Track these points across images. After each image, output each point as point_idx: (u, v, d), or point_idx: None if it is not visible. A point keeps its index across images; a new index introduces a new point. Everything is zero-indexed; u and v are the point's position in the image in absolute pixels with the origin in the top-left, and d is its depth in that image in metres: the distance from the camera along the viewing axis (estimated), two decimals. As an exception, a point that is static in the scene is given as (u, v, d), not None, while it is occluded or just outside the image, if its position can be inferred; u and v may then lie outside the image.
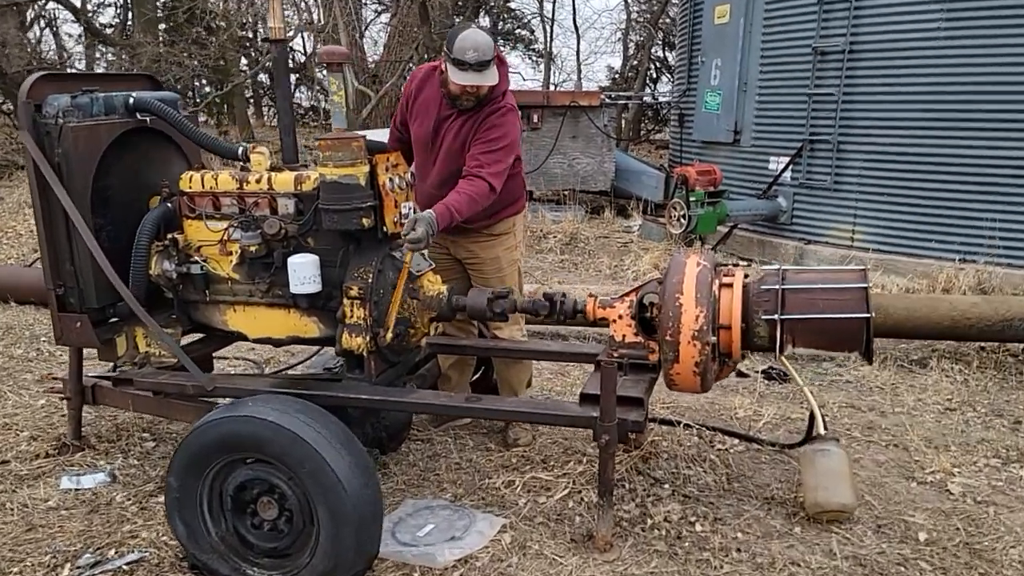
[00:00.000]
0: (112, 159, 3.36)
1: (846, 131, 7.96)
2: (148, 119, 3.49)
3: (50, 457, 3.66)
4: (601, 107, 10.91)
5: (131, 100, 3.43)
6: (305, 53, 24.19)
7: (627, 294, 3.14)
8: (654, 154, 19.31)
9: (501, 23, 29.27)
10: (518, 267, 3.86)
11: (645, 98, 18.39)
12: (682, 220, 8.46)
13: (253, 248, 3.26)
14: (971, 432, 4.02)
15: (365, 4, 20.67)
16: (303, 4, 20.49)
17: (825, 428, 3.23)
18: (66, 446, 3.71)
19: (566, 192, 11.15)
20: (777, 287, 2.84)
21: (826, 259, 8.15)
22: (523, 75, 28.07)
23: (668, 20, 20.04)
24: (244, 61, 22.70)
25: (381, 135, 3.80)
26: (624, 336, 3.10)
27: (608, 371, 2.71)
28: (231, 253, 3.35)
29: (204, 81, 23.46)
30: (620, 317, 3.09)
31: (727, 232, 9.09)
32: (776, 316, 2.81)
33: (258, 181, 3.31)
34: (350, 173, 3.06)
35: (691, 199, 8.35)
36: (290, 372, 4.08)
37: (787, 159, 8.51)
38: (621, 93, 17.40)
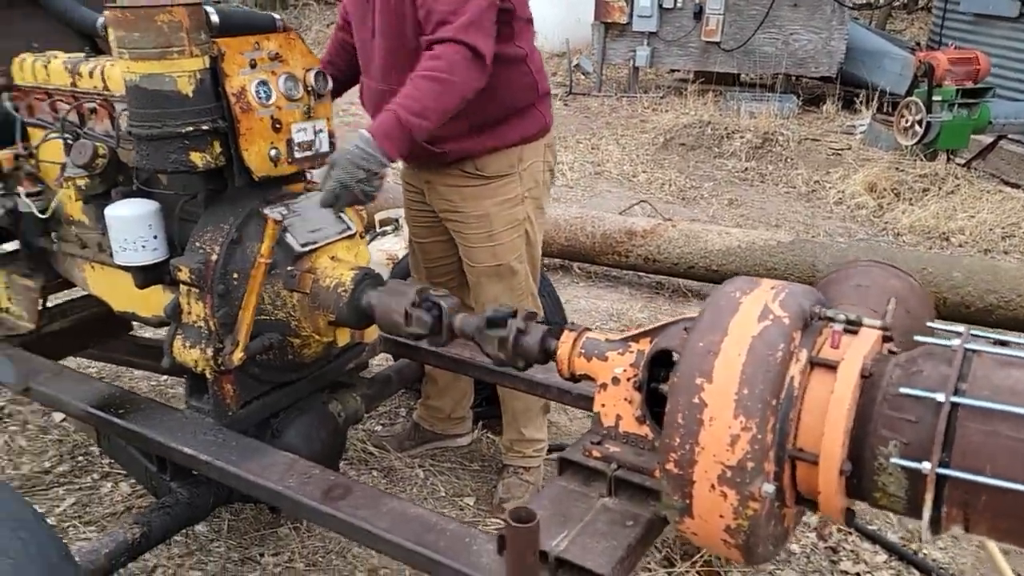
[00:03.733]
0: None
1: None
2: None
3: (-64, 419, 2.92)
4: (838, -35, 8.33)
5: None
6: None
7: (637, 336, 1.59)
8: (924, 30, 15.49)
9: None
10: (525, 233, 2.34)
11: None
12: (917, 127, 6.14)
13: (81, 183, 2.09)
14: None
15: None
16: None
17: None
18: (-42, 407, 2.96)
19: (775, 77, 8.87)
20: (943, 397, 1.17)
21: None
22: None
23: None
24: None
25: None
26: (619, 420, 1.58)
27: (522, 534, 1.25)
28: (64, 184, 2.22)
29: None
30: (615, 381, 1.57)
31: (989, 145, 6.58)
32: (927, 465, 1.17)
33: (91, 75, 2.09)
34: (157, 72, 1.74)
35: (934, 98, 5.98)
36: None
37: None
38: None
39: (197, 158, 1.81)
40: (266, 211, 1.92)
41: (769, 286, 1.37)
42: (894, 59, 8.54)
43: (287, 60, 1.94)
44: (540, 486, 2.54)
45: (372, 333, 2.30)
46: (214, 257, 1.89)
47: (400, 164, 2.53)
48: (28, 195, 2.23)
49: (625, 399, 1.56)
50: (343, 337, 2.11)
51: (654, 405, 1.52)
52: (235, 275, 1.91)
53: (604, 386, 1.58)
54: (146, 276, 2.05)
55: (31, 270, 2.49)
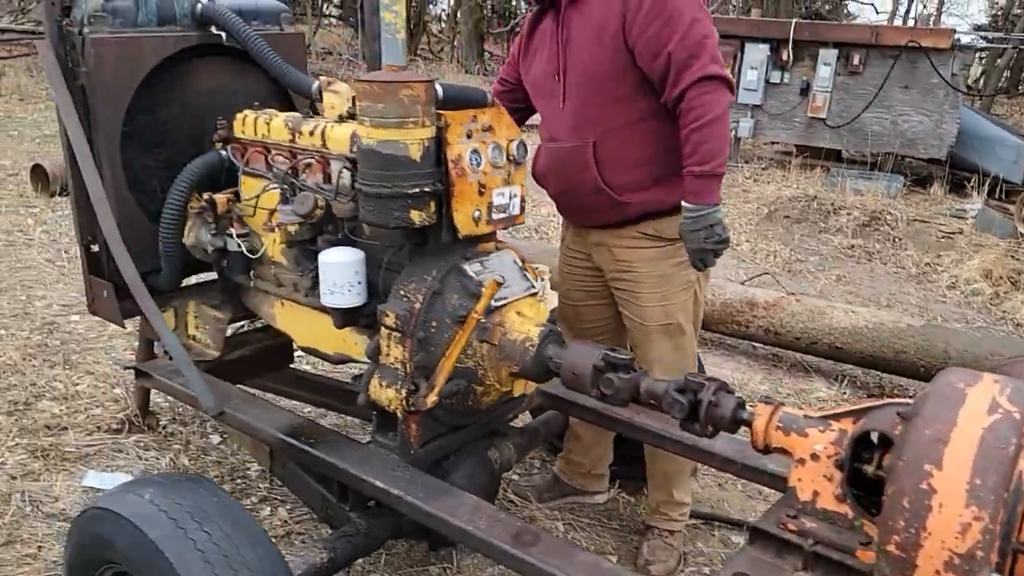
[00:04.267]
0: (171, 84, 2.58)
1: None
2: (224, 34, 2.64)
3: (110, 433, 3.14)
4: (952, 50, 8.31)
5: (199, 6, 2.59)
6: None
7: (838, 415, 1.66)
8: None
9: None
10: (694, 293, 2.46)
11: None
12: (1040, 217, 6.04)
13: (291, 229, 2.30)
14: None
15: None
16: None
17: None
18: (129, 423, 3.17)
19: (882, 156, 8.83)
20: None
21: None
22: (875, 7, 24.16)
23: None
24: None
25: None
26: (816, 496, 1.64)
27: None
28: (275, 229, 2.43)
29: (523, 1, 23.03)
30: (814, 457, 1.63)
31: (1113, 240, 6.41)
32: None
33: (311, 133, 2.31)
34: (394, 139, 1.92)
35: (1060, 189, 5.88)
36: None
37: None
38: (994, 35, 13.76)
39: (416, 216, 1.97)
40: (467, 268, 2.08)
41: (992, 380, 1.42)
42: (1008, 146, 8.44)
43: (495, 131, 2.11)
44: (682, 551, 2.58)
45: (531, 386, 2.41)
46: (417, 305, 2.04)
47: (563, 230, 2.68)
48: (239, 236, 2.45)
49: (824, 476, 1.62)
50: (519, 388, 2.24)
51: (855, 485, 1.58)
52: (434, 323, 2.05)
53: (802, 461, 1.65)
54: (345, 317, 2.23)
55: (222, 302, 2.71)
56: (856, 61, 8.59)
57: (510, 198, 2.18)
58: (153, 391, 3.14)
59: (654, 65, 2.23)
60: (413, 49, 21.74)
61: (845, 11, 25.02)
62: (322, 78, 2.47)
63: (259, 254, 2.46)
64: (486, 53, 20.30)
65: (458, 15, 21.69)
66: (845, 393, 3.97)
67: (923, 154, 8.84)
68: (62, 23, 2.43)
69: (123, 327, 2.77)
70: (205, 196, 2.50)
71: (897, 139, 8.68)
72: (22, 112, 11.48)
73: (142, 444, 3.09)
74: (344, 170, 2.20)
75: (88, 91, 2.44)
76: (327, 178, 2.31)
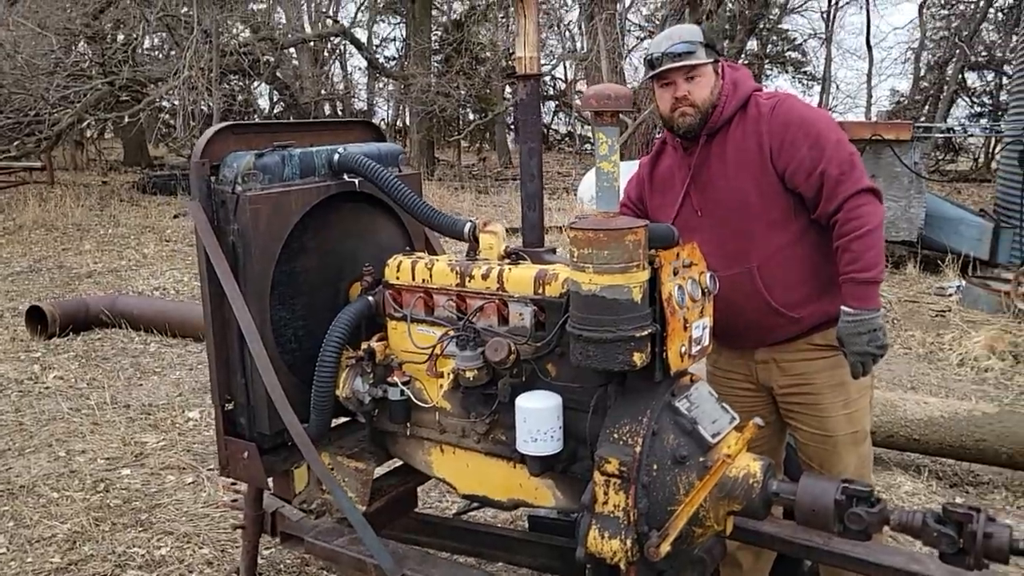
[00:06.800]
0: (306, 234, 2.53)
1: None
2: (357, 181, 2.63)
3: (218, 600, 2.92)
4: (912, 141, 8.89)
5: (336, 157, 2.59)
6: (565, 80, 24.24)
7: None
8: (952, 192, 16.28)
9: (771, 46, 27.25)
10: (870, 398, 2.49)
11: (972, 131, 15.22)
12: (1036, 294, 6.37)
13: (470, 375, 2.23)
14: None
15: (629, 31, 19.81)
16: (564, 31, 20.25)
17: None
18: (238, 587, 2.95)
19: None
20: None
21: None
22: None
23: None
24: (508, 90, 22.79)
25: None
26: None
27: None
28: (442, 375, 2.37)
29: (469, 110, 24.33)
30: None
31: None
32: None
33: (484, 277, 2.29)
34: (619, 284, 1.91)
35: (1053, 266, 6.25)
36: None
37: None
38: (932, 124, 14.83)
39: (638, 358, 1.95)
40: (679, 405, 2.05)
41: None
42: (971, 225, 8.97)
43: (695, 266, 2.13)
44: None
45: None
46: (638, 449, 1.99)
47: (711, 354, 2.68)
48: (404, 383, 2.38)
49: None
50: (729, 526, 2.18)
51: None
52: (655, 467, 2.00)
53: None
54: (544, 465, 2.15)
55: (362, 451, 2.60)
56: (824, 155, 9.07)
57: (703, 329, 2.18)
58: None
59: (807, 183, 2.32)
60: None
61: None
62: (476, 219, 2.47)
63: (431, 403, 2.38)
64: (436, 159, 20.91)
65: (407, 123, 22.37)
66: (932, 486, 4.00)
67: (895, 237, 9.28)
68: (211, 183, 2.39)
69: (268, 489, 2.61)
70: (363, 345, 2.43)
71: (870, 225, 9.11)
72: (-18, 249, 11.08)
73: (259, 611, 2.87)
74: (531, 313, 2.18)
75: (239, 248, 2.38)
76: (503, 320, 2.28)
